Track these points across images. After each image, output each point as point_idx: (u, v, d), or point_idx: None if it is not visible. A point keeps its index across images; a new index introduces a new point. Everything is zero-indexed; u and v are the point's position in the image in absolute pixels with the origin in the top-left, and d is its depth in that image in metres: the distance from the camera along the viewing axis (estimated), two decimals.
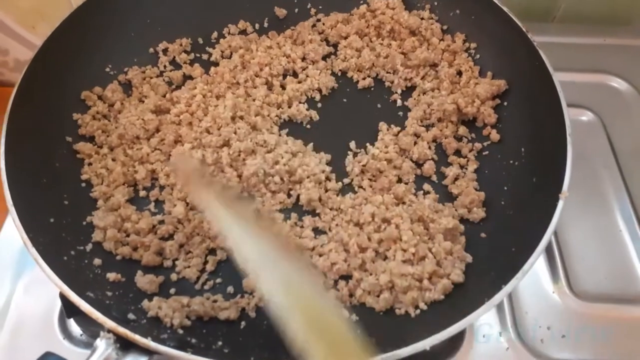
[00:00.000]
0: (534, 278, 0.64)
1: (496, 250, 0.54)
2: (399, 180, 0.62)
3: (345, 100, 0.70)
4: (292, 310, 0.34)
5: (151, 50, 0.72)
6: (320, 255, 0.56)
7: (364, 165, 0.62)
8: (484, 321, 0.61)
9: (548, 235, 0.49)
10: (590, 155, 0.74)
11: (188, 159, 0.59)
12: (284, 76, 0.71)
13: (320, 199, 0.59)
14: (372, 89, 0.70)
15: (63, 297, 0.49)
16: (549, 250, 0.66)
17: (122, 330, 0.44)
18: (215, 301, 0.53)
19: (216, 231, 0.53)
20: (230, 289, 0.54)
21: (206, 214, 0.50)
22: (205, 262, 0.56)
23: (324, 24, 0.74)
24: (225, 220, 0.44)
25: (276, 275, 0.37)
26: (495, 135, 0.63)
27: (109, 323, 0.45)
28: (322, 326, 0.34)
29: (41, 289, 0.62)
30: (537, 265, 0.65)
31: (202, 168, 0.57)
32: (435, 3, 0.72)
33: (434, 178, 0.62)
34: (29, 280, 0.63)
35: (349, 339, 0.33)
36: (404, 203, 0.59)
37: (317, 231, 0.58)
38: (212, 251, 0.57)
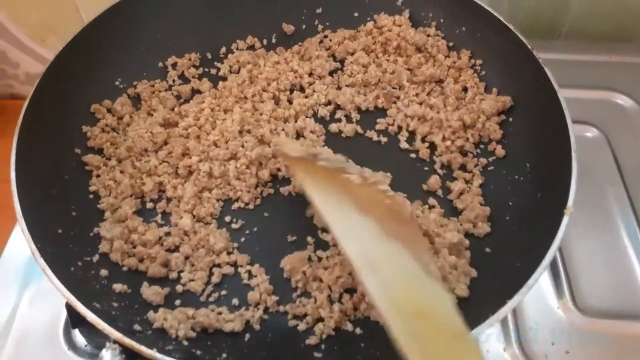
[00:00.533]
0: (539, 293, 0.64)
1: (501, 265, 0.55)
2: None
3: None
4: (395, 309, 0.33)
5: (160, 64, 0.73)
6: (325, 269, 0.56)
7: None
8: (489, 336, 0.61)
9: (553, 250, 0.49)
10: (595, 172, 0.74)
11: (294, 144, 0.59)
12: (291, 91, 0.71)
13: None
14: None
15: (69, 307, 0.49)
16: (553, 266, 0.66)
17: (128, 341, 0.45)
18: (220, 313, 0.53)
19: (320, 222, 0.54)
20: (235, 301, 0.54)
21: (313, 199, 0.49)
22: (211, 275, 0.56)
23: (330, 40, 0.75)
24: (331, 206, 0.45)
25: (382, 268, 0.37)
26: (500, 151, 0.64)
27: (115, 334, 0.45)
28: (425, 319, 0.33)
29: (46, 300, 0.63)
30: (541, 281, 0.65)
31: (309, 153, 0.53)
32: (442, 20, 0.73)
33: (440, 192, 0.62)
34: (34, 291, 0.64)
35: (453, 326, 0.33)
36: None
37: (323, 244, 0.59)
38: (217, 264, 0.57)
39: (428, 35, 0.72)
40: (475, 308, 0.51)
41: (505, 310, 0.46)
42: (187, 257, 0.57)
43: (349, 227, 0.43)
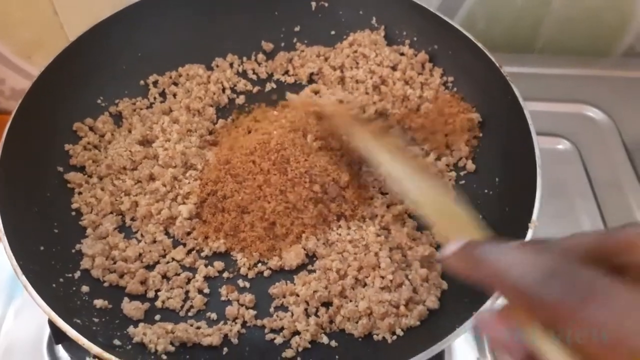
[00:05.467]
0: None
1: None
2: None
3: None
4: (427, 207, 0.48)
5: (142, 82, 0.74)
6: (303, 284, 0.58)
7: None
8: (463, 346, 0.63)
9: None
10: (566, 184, 0.76)
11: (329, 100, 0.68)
12: None
13: None
14: None
15: (51, 323, 0.51)
16: None
17: (107, 356, 0.46)
18: (198, 327, 0.54)
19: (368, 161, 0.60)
20: (213, 316, 0.56)
21: (360, 146, 0.60)
22: (188, 291, 0.58)
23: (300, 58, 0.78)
24: (378, 150, 0.57)
25: (417, 187, 0.50)
26: (470, 166, 0.66)
27: (95, 349, 0.46)
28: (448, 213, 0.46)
29: (31, 315, 0.64)
30: None
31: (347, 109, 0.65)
32: (415, 38, 0.75)
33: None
34: (19, 306, 0.65)
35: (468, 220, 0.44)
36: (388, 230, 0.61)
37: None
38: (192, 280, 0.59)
39: (402, 54, 0.74)
40: (445, 319, 0.53)
41: (471, 322, 0.48)
42: (164, 276, 0.58)
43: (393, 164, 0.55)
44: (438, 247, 0.60)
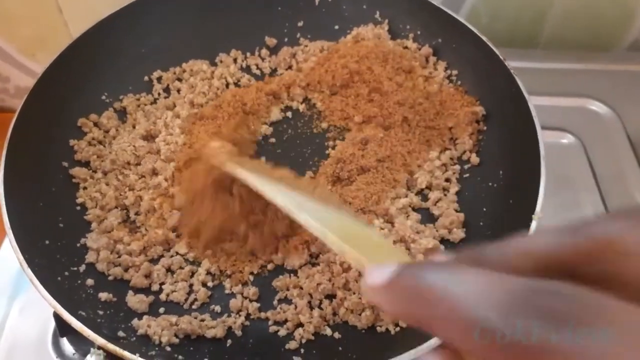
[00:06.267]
0: None
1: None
2: None
3: None
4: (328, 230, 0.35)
5: (146, 78, 0.75)
6: (307, 277, 0.58)
7: None
8: None
9: None
10: (570, 178, 0.76)
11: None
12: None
13: None
14: None
15: (57, 316, 0.51)
16: None
17: (111, 346, 0.46)
18: (202, 320, 0.55)
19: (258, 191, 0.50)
20: (217, 309, 0.56)
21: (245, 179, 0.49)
22: (192, 285, 0.58)
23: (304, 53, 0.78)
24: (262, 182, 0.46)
25: (311, 211, 0.39)
26: (475, 159, 0.66)
27: (100, 340, 0.47)
28: (356, 237, 0.35)
29: (35, 309, 0.64)
30: None
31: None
32: (419, 32, 0.75)
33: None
34: (24, 301, 0.65)
35: (380, 244, 0.35)
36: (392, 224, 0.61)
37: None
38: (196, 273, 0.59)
39: (405, 47, 0.74)
40: None
41: None
42: (168, 269, 0.59)
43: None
44: (442, 240, 0.60)
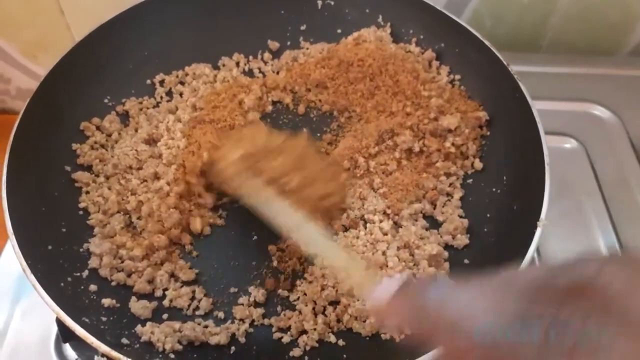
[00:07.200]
0: None
1: (478, 275, 0.56)
2: None
3: None
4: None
5: (148, 81, 0.74)
6: (310, 282, 0.58)
7: None
8: None
9: (526, 262, 0.51)
10: (573, 183, 0.76)
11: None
12: None
13: None
14: None
15: (59, 322, 0.51)
16: None
17: (115, 354, 0.46)
18: (206, 326, 0.54)
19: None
20: (221, 315, 0.56)
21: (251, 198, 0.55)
22: (195, 291, 0.58)
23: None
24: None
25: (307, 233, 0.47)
26: (478, 164, 0.65)
27: (103, 347, 0.46)
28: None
29: (38, 314, 0.64)
30: None
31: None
32: (421, 36, 0.75)
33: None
34: (26, 306, 0.65)
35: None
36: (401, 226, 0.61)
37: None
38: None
39: (408, 52, 0.74)
40: None
41: None
42: (171, 275, 0.58)
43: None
44: (446, 246, 0.60)
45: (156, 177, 0.65)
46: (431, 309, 0.23)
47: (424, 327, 0.24)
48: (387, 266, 0.57)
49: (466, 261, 0.59)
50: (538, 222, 0.53)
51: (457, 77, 0.72)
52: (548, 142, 0.58)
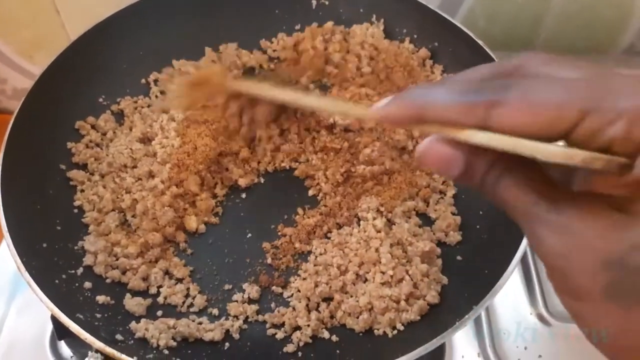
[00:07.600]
0: (512, 300, 0.66)
1: (470, 272, 0.57)
2: None
3: None
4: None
5: (143, 80, 0.75)
6: (304, 279, 0.58)
7: None
8: (463, 341, 0.63)
9: (517, 259, 0.51)
10: None
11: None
12: None
13: None
14: None
15: (54, 319, 0.51)
16: (526, 273, 0.68)
17: (109, 350, 0.46)
18: (200, 323, 0.55)
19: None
20: (215, 312, 0.56)
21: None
22: (189, 288, 0.58)
23: None
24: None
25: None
26: None
27: (97, 343, 0.47)
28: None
29: (33, 312, 0.64)
30: (515, 287, 0.67)
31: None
32: (415, 36, 0.75)
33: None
34: (21, 303, 0.65)
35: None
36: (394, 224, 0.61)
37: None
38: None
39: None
40: (445, 314, 0.53)
41: (471, 316, 0.48)
42: (166, 272, 0.59)
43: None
44: (439, 243, 0.60)
45: (151, 175, 0.65)
46: (418, 100, 0.30)
47: (411, 112, 0.30)
48: (380, 262, 0.57)
49: (459, 258, 0.59)
50: None
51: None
52: None
